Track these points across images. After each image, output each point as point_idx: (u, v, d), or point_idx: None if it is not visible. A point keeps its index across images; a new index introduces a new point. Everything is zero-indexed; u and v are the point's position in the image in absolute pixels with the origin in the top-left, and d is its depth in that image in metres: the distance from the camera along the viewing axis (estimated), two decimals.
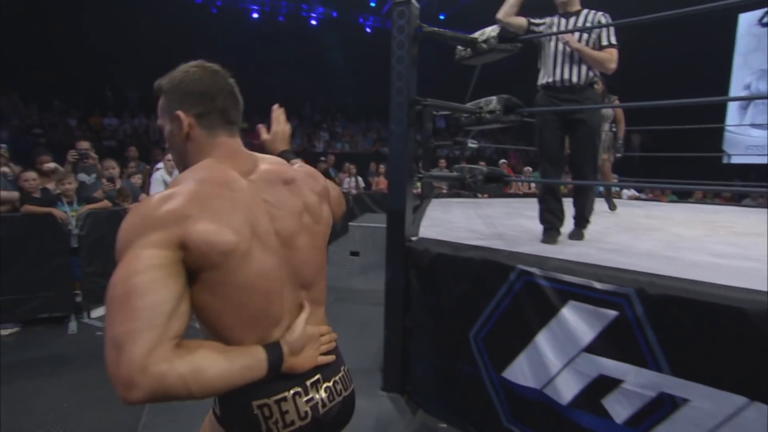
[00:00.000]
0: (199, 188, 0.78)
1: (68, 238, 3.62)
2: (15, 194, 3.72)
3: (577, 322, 1.69)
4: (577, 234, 2.54)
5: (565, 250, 2.21)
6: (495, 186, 2.32)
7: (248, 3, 11.59)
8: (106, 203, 4.10)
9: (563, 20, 2.40)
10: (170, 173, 4.60)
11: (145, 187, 5.07)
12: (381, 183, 7.75)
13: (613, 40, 2.31)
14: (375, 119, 12.85)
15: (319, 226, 0.97)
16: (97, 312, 3.76)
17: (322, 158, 7.69)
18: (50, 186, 4.03)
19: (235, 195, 0.81)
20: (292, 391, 0.85)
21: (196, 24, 10.69)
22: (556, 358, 1.76)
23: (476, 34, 2.42)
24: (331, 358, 0.94)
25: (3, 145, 4.36)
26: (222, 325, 0.80)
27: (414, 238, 2.38)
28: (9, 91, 9.03)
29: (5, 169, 3.98)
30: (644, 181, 5.76)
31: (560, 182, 2.65)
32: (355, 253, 4.53)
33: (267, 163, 0.94)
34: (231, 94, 0.90)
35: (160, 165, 4.74)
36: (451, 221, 3.36)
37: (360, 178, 7.84)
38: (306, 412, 0.86)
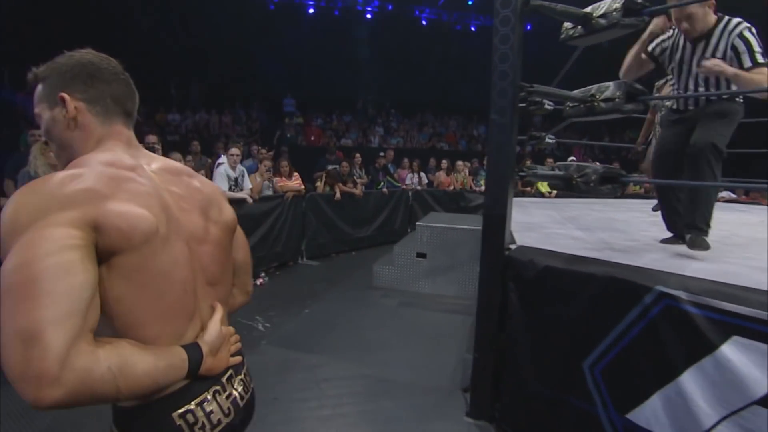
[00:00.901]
0: (108, 170, 0.71)
1: None
2: None
3: (747, 365, 1.33)
4: (698, 242, 2.10)
5: (702, 266, 1.82)
6: (611, 188, 1.96)
7: None
8: None
9: (691, 46, 2.11)
10: (233, 167, 4.55)
11: None
12: (444, 180, 7.44)
13: (761, 59, 1.92)
14: (430, 114, 12.55)
15: (225, 224, 0.91)
16: None
17: (381, 153, 7.42)
18: None
19: (144, 181, 0.75)
20: (212, 390, 0.81)
21: (254, 20, 10.90)
22: (710, 406, 1.41)
23: (588, 9, 2.07)
24: (238, 358, 0.90)
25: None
26: (136, 319, 0.71)
27: (513, 247, 2.08)
28: None
29: None
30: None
31: (682, 183, 2.24)
32: (422, 255, 4.26)
33: (162, 160, 0.88)
34: (126, 83, 0.84)
35: (223, 159, 4.70)
36: (542, 225, 3.02)
37: (423, 174, 7.53)
38: (229, 408, 0.83)
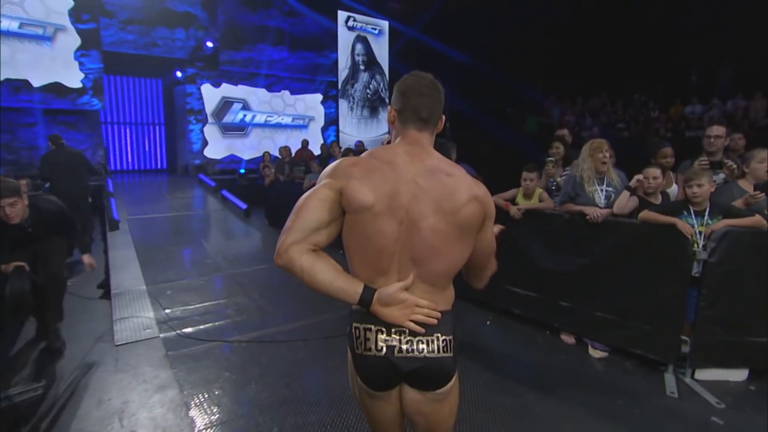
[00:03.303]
0: (370, 161, 1.12)
1: (689, 262, 2.62)
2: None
3: None
4: None
5: None
6: None
7: None
8: (757, 220, 2.62)
9: None
10: None
11: None
12: None
13: None
14: None
15: (455, 218, 1.09)
16: (707, 374, 2.68)
17: None
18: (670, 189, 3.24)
19: (390, 172, 1.09)
20: (375, 327, 1.11)
21: None
22: None
23: None
24: (419, 328, 1.10)
25: (550, 159, 3.85)
26: (350, 256, 1.15)
27: None
28: (599, 92, 10.98)
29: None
30: None
31: None
32: None
33: (439, 159, 1.15)
34: (426, 97, 1.15)
35: None
36: None
37: None
38: (382, 347, 1.10)
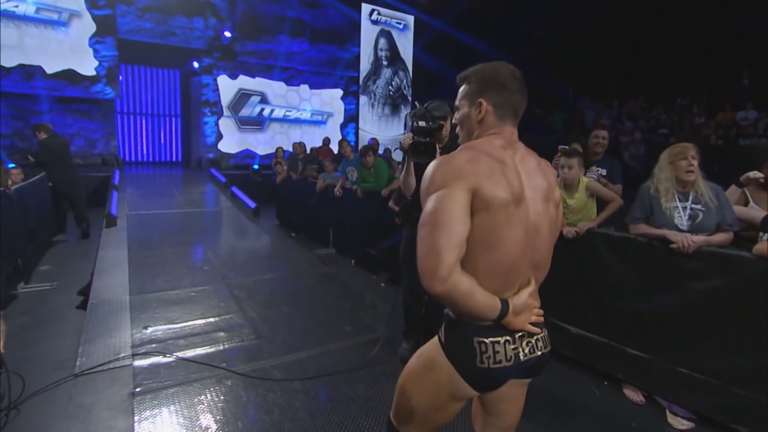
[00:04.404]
0: (487, 159, 1.07)
1: None
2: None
3: None
4: None
5: None
6: None
7: None
8: None
9: None
10: None
11: None
12: None
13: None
14: None
15: (557, 214, 1.18)
16: None
17: None
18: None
19: (508, 171, 1.07)
20: (503, 339, 1.10)
21: None
22: None
23: None
24: (537, 329, 1.14)
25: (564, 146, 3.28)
26: (473, 266, 1.04)
27: None
28: (636, 95, 10.47)
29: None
30: None
31: None
32: None
33: (531, 155, 1.18)
34: (523, 92, 1.15)
35: None
36: None
37: None
38: (511, 356, 1.10)
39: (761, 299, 2.07)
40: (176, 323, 3.21)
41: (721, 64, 9.05)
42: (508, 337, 1.09)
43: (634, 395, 2.53)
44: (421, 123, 2.24)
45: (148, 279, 4.01)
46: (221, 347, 2.91)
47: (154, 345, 2.87)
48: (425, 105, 2.36)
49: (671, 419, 2.34)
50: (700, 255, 2.26)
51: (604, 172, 3.53)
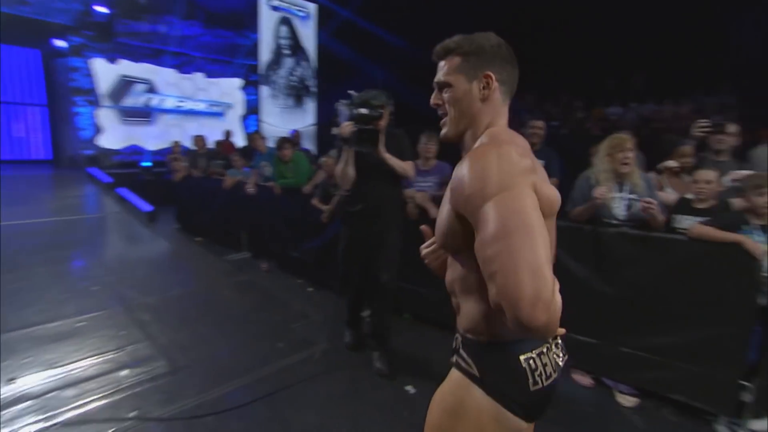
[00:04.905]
0: (525, 150, 0.89)
1: (757, 291, 2.10)
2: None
3: None
4: None
5: None
6: None
7: None
8: None
9: None
10: None
11: None
12: None
13: None
14: None
15: None
16: (761, 424, 2.14)
17: None
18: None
19: (539, 166, 0.91)
20: (544, 347, 0.94)
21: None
22: None
23: None
24: (562, 330, 0.90)
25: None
26: None
27: None
28: (530, 90, 9.81)
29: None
30: None
31: None
32: None
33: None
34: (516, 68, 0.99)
35: None
36: None
37: None
38: (556, 364, 0.96)
39: (695, 279, 2.20)
40: (58, 367, 2.54)
41: (590, 65, 10.15)
42: (547, 344, 0.95)
43: (583, 379, 2.59)
44: (363, 111, 2.20)
45: (16, 310, 3.15)
46: (128, 391, 2.35)
47: (27, 404, 2.20)
48: (361, 94, 2.33)
49: (619, 398, 2.42)
50: (641, 240, 2.35)
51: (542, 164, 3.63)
